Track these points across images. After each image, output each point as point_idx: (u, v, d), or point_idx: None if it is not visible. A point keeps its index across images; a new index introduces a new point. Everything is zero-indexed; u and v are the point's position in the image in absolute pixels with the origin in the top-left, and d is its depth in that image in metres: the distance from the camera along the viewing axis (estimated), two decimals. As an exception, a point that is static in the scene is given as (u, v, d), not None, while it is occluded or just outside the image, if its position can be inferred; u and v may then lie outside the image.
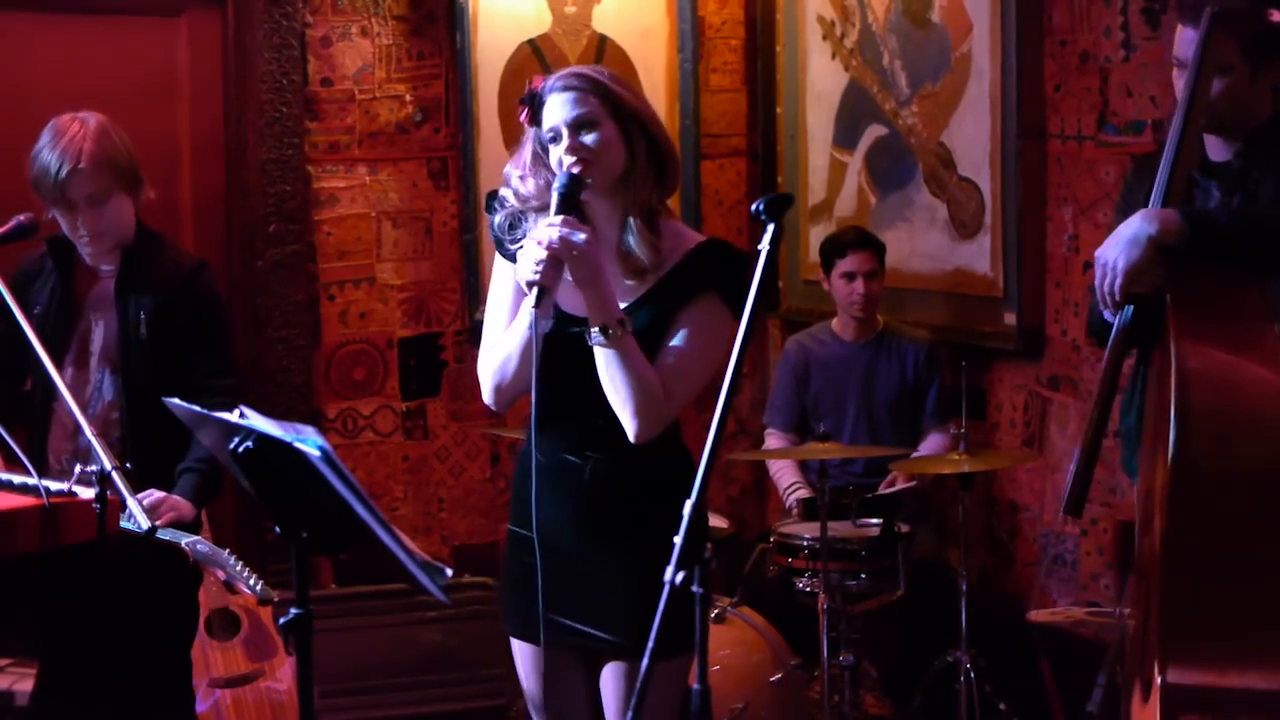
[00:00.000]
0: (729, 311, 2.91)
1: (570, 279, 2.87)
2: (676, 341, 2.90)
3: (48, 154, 3.63)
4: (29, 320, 3.61)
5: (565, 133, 2.91)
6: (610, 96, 2.92)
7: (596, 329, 2.84)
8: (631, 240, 2.93)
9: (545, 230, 2.82)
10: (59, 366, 3.66)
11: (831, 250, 5.01)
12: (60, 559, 3.36)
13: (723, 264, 2.93)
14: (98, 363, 3.77)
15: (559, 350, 2.94)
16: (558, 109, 2.92)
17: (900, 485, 4.78)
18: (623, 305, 2.92)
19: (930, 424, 4.97)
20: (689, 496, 2.83)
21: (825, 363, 5.04)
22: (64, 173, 3.61)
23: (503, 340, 3.01)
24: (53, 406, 3.76)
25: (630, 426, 2.87)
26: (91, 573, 3.45)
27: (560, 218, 2.83)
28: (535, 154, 2.97)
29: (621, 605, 2.94)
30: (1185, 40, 3.15)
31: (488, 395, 3.06)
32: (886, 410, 4.97)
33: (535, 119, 2.96)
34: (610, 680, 2.99)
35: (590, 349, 2.89)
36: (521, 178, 2.99)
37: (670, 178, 2.99)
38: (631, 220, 2.94)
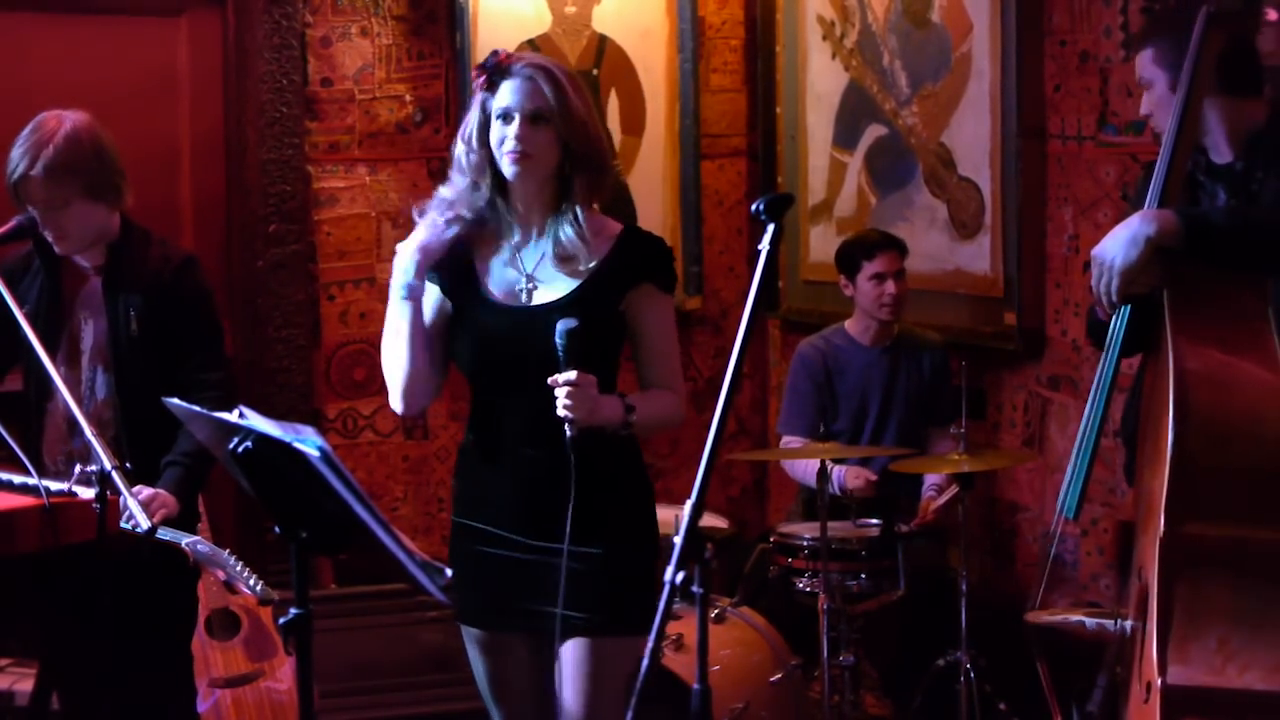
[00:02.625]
0: (669, 297, 3.17)
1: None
2: (655, 346, 3.15)
3: (14, 152, 3.63)
4: (25, 320, 3.62)
5: (518, 119, 3.03)
6: (564, 100, 3.03)
7: (618, 432, 3.05)
8: (565, 233, 3.07)
9: (566, 387, 2.93)
10: (48, 367, 3.66)
11: (858, 253, 4.89)
12: (61, 558, 3.37)
13: (653, 257, 3.13)
14: (89, 361, 3.76)
15: (502, 344, 3.07)
16: (517, 92, 3.03)
17: (946, 496, 4.72)
18: (562, 294, 3.07)
19: (935, 427, 4.92)
20: (638, 483, 3.16)
21: (845, 369, 4.93)
22: (15, 176, 3.61)
23: (399, 347, 3.13)
24: (46, 406, 3.76)
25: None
26: (91, 572, 3.46)
27: (575, 374, 2.94)
28: (482, 125, 3.08)
29: (581, 586, 3.01)
30: (1142, 63, 3.28)
31: (398, 402, 3.18)
32: (904, 414, 4.91)
33: (491, 87, 3.07)
34: (571, 655, 3.05)
35: (536, 340, 3.00)
36: (466, 153, 3.10)
37: (603, 183, 3.14)
38: (567, 214, 3.07)
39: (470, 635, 3.20)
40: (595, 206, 3.14)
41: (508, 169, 3.03)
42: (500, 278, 3.12)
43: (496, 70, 3.05)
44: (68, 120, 3.65)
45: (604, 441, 3.02)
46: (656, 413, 3.11)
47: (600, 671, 3.03)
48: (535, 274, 3.09)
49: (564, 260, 3.07)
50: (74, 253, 3.74)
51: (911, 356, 4.92)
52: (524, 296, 3.09)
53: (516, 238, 3.12)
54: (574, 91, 3.05)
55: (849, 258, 4.93)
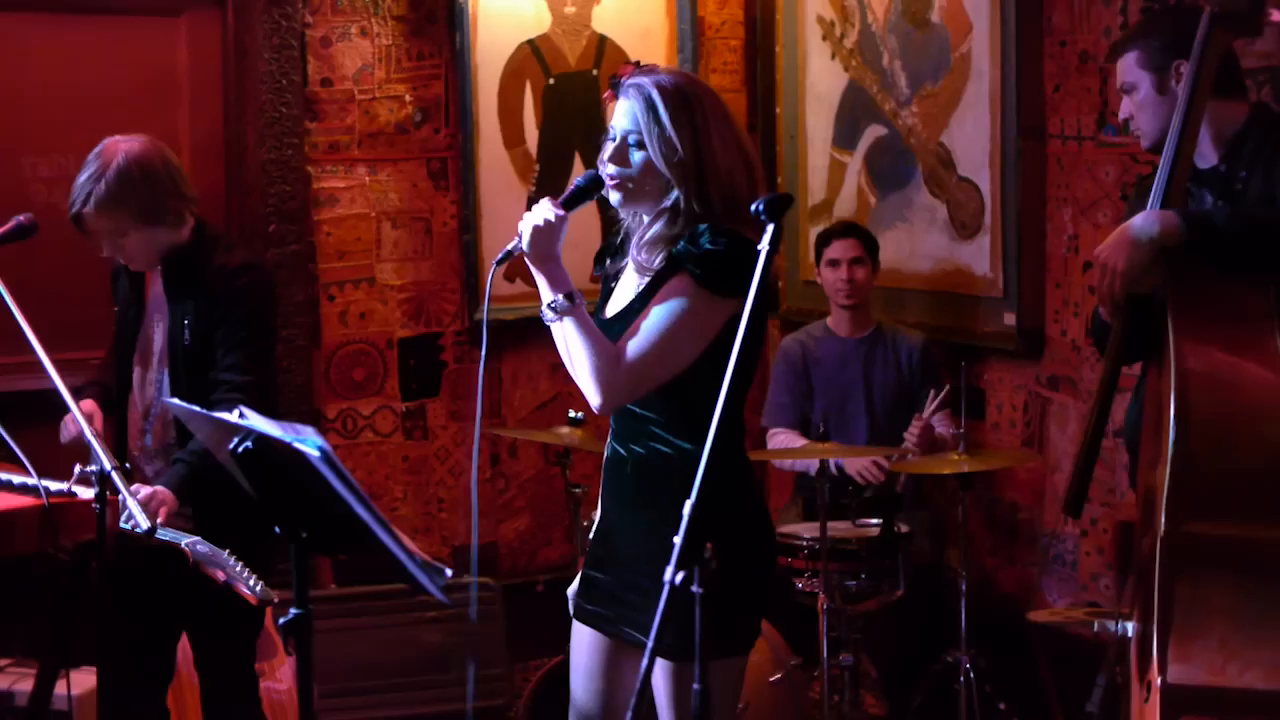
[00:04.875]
0: (701, 290, 2.86)
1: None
2: (644, 317, 2.91)
3: (77, 180, 3.72)
4: (115, 316, 3.86)
5: (618, 139, 2.96)
6: (652, 119, 2.90)
7: (546, 305, 2.89)
8: (644, 249, 2.97)
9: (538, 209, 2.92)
10: (130, 364, 3.82)
11: (819, 241, 5.09)
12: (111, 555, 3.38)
13: (693, 244, 2.88)
14: (159, 362, 3.83)
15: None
16: (620, 113, 2.96)
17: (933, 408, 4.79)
18: (633, 298, 2.97)
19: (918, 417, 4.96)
20: (741, 498, 2.98)
21: (823, 360, 5.05)
22: (72, 211, 3.71)
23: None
24: (128, 399, 3.88)
25: (590, 395, 2.91)
26: (130, 571, 3.52)
27: (549, 202, 2.90)
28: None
29: (668, 603, 2.89)
30: (1125, 66, 3.30)
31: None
32: (884, 407, 4.97)
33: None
34: (659, 678, 2.98)
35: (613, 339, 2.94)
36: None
37: (727, 207, 2.91)
38: (655, 232, 2.95)
39: (574, 630, 3.15)
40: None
41: (609, 195, 2.98)
42: (618, 291, 3.07)
43: (616, 88, 2.98)
44: (121, 151, 3.71)
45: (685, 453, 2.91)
46: (592, 337, 2.86)
47: (683, 696, 2.87)
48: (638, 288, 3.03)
49: (640, 270, 2.98)
50: (145, 269, 3.85)
51: (889, 349, 5.01)
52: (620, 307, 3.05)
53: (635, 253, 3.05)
54: (671, 109, 2.90)
55: (815, 247, 5.13)
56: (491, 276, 2.95)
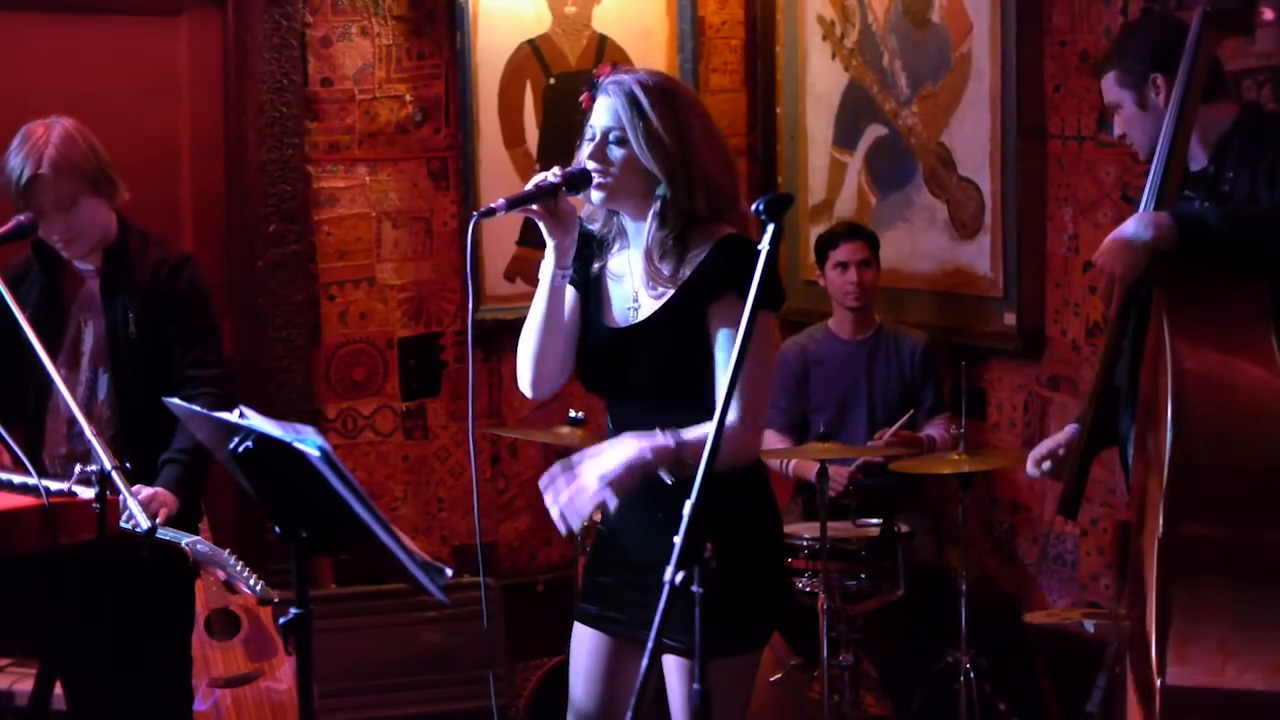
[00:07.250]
0: (770, 315, 2.89)
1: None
2: (718, 359, 2.89)
3: (12, 161, 3.68)
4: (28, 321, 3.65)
5: (598, 137, 2.95)
6: (639, 118, 2.90)
7: (663, 473, 2.84)
8: (654, 255, 2.96)
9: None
10: (45, 371, 3.69)
11: (824, 244, 5.07)
12: (63, 558, 3.37)
13: (736, 262, 2.86)
14: (89, 363, 3.79)
15: (602, 363, 3.02)
16: (600, 111, 2.96)
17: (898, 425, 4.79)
18: (653, 309, 2.97)
19: (923, 418, 4.97)
20: (751, 492, 2.98)
21: (823, 361, 5.04)
22: (25, 179, 3.65)
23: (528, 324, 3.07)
24: (47, 407, 3.78)
25: (743, 460, 2.89)
26: (92, 571, 3.47)
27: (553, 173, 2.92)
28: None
29: (678, 604, 2.89)
30: (1106, 87, 3.31)
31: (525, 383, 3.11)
32: (886, 408, 4.98)
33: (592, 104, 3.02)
34: (674, 677, 2.98)
35: (635, 351, 2.96)
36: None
37: (710, 203, 2.93)
38: (654, 236, 2.95)
39: (576, 633, 3.14)
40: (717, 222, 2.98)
41: (591, 195, 2.96)
42: (615, 298, 3.06)
43: (593, 89, 2.98)
44: (56, 123, 3.71)
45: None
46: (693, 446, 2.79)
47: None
48: (638, 293, 3.01)
49: (653, 278, 2.97)
50: (82, 255, 3.79)
51: (891, 350, 5.01)
52: (630, 315, 3.02)
53: (629, 258, 3.04)
54: (658, 108, 2.90)
55: (819, 249, 5.11)
56: (472, 229, 2.92)
